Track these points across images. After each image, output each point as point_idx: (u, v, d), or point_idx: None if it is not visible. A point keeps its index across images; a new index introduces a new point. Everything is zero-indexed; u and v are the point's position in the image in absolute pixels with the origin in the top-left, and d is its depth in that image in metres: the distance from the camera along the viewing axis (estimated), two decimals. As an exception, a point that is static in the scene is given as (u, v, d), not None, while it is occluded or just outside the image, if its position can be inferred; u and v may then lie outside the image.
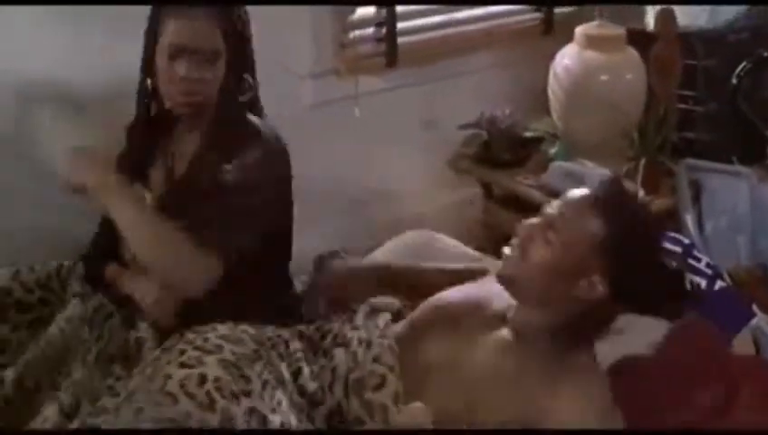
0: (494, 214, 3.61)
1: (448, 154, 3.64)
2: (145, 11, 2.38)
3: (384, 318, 2.35)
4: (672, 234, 2.73)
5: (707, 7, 3.50)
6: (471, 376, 2.14)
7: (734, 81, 3.47)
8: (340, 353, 2.24)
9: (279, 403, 2.07)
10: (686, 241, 2.70)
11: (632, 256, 2.10)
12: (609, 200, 2.13)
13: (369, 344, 2.23)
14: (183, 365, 2.02)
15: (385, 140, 3.43)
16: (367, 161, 3.41)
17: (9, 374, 2.14)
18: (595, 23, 3.50)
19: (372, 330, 2.28)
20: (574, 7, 3.85)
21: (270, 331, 2.26)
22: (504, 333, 2.18)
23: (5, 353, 2.23)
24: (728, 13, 3.52)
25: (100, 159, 2.30)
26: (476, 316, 2.24)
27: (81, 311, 2.27)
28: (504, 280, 2.18)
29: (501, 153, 3.54)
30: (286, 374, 2.16)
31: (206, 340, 2.10)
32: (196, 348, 2.07)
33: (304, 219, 2.54)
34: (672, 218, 3.26)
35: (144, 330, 2.27)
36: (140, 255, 2.23)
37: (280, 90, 2.47)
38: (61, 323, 2.23)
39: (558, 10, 3.85)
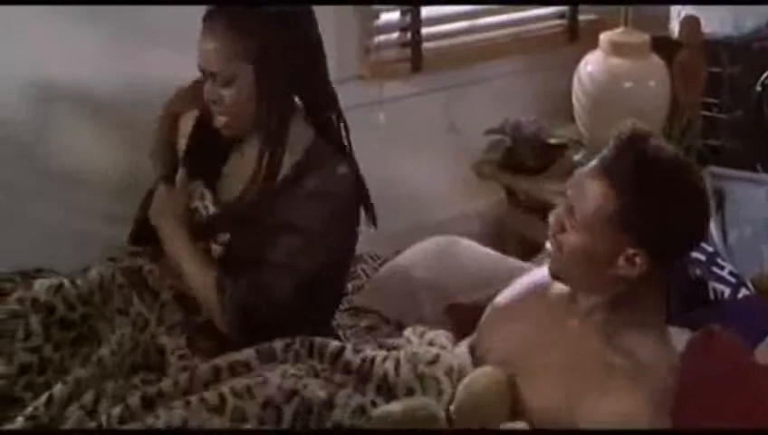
0: (518, 220, 3.61)
1: (472, 159, 3.64)
2: (167, 15, 2.38)
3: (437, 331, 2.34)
4: (695, 242, 2.73)
5: (732, 15, 3.49)
6: (562, 370, 2.08)
7: (759, 88, 3.47)
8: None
9: (305, 386, 2.06)
10: (710, 249, 2.69)
11: (659, 218, 2.00)
12: (616, 166, 2.03)
13: (422, 334, 2.25)
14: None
15: (409, 146, 3.44)
16: (391, 166, 3.41)
17: (59, 392, 2.11)
18: (620, 30, 3.50)
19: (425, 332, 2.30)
20: (598, 12, 3.86)
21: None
22: (574, 321, 2.13)
23: (47, 372, 2.20)
24: (753, 20, 3.52)
25: (173, 203, 2.37)
26: (541, 309, 2.21)
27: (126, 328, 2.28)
28: (553, 276, 2.15)
29: (525, 159, 3.55)
30: (319, 365, 2.16)
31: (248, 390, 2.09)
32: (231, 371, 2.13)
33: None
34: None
35: (166, 338, 2.30)
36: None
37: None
38: (113, 345, 2.24)
39: (583, 17, 3.86)
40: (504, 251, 3.01)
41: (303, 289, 2.28)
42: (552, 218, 2.12)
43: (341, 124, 2.45)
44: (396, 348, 2.24)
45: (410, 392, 2.10)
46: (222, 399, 2.01)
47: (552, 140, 3.59)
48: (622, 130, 2.05)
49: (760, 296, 2.68)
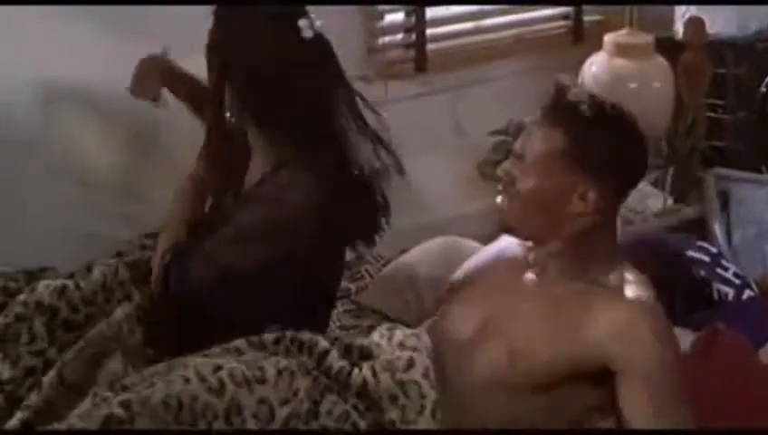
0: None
1: (477, 160, 3.64)
2: (169, 15, 2.38)
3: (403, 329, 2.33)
4: (700, 243, 2.73)
5: (737, 16, 3.49)
6: (510, 330, 2.11)
7: (764, 89, 3.47)
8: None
9: (296, 392, 2.06)
10: (714, 250, 2.70)
11: (605, 149, 2.09)
12: (558, 108, 2.13)
13: (390, 336, 2.22)
14: (204, 356, 2.07)
15: (413, 146, 3.43)
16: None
17: (48, 377, 2.13)
18: (624, 31, 3.50)
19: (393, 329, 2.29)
20: (603, 13, 3.86)
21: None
22: (529, 276, 2.18)
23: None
24: (758, 21, 3.52)
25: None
26: (498, 272, 2.25)
27: (127, 310, 2.29)
28: (506, 230, 2.22)
29: (529, 160, 3.54)
30: (309, 362, 2.15)
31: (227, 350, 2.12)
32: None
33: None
34: (700, 227, 3.26)
35: None
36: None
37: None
38: (103, 326, 2.24)
39: (587, 18, 3.86)
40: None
41: (225, 283, 2.26)
42: (500, 172, 2.19)
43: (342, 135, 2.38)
44: (366, 353, 2.22)
45: (394, 400, 2.10)
46: (221, 383, 2.00)
47: (556, 141, 3.59)
48: (555, 81, 2.18)
49: (764, 297, 2.68)
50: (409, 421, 2.08)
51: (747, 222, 3.32)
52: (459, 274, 2.38)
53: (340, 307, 2.74)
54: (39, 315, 2.22)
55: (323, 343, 2.19)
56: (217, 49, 2.30)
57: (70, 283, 2.27)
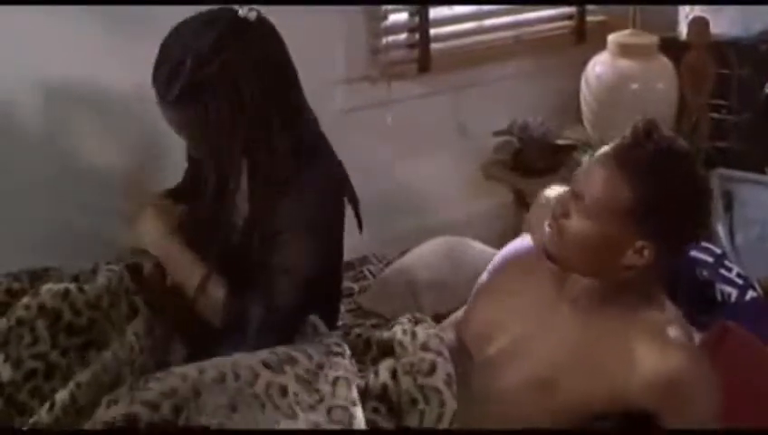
0: (526, 221, 3.61)
1: (480, 161, 3.64)
2: (176, 13, 2.38)
3: (427, 322, 2.32)
4: (703, 243, 2.72)
5: (741, 16, 3.49)
6: (546, 356, 2.06)
7: (767, 90, 3.46)
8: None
9: (354, 403, 2.07)
10: (718, 251, 2.69)
11: (671, 212, 1.98)
12: (630, 158, 1.98)
13: (414, 334, 2.20)
14: (266, 365, 2.06)
15: (417, 146, 3.45)
16: (399, 166, 3.42)
17: (61, 396, 2.10)
18: (628, 31, 3.50)
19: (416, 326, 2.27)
20: (606, 13, 3.86)
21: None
22: (563, 302, 2.11)
23: (55, 378, 2.19)
24: (762, 22, 3.51)
25: (160, 221, 2.38)
26: (531, 287, 2.18)
27: (137, 329, 2.29)
28: (549, 257, 2.10)
29: (533, 160, 3.55)
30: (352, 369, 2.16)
31: (273, 351, 2.13)
32: (272, 352, 2.11)
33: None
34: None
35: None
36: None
37: (313, 95, 2.47)
38: (116, 347, 2.24)
39: (590, 18, 3.86)
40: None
41: (302, 290, 2.30)
42: (556, 202, 2.09)
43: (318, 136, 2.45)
44: (386, 350, 2.23)
45: (414, 403, 2.09)
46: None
47: (560, 142, 3.59)
48: (638, 121, 2.01)
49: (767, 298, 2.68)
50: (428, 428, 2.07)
51: (751, 223, 3.32)
52: (487, 275, 2.32)
53: (342, 307, 2.74)
54: (42, 318, 2.20)
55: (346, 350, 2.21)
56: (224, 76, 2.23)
57: (73, 286, 2.26)
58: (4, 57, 2.64)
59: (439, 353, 2.14)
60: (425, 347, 2.16)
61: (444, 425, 2.06)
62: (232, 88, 2.22)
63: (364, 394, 2.11)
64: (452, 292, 2.65)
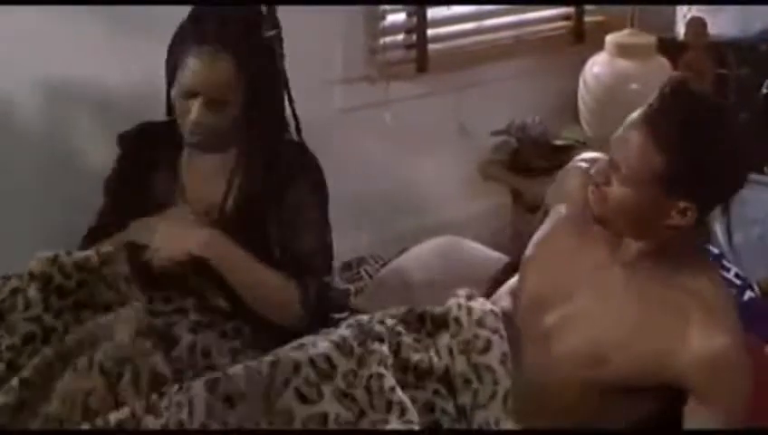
0: (524, 221, 3.61)
1: (478, 161, 3.64)
2: (176, 13, 2.39)
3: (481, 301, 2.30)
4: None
5: (740, 16, 3.49)
6: (600, 325, 2.08)
7: (765, 90, 3.46)
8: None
9: (392, 388, 2.07)
10: (716, 251, 2.70)
11: (709, 171, 1.98)
12: (660, 121, 1.98)
13: (469, 310, 2.20)
14: (303, 399, 2.04)
15: (415, 147, 3.44)
16: (397, 167, 3.42)
17: (15, 381, 2.11)
18: (626, 31, 3.50)
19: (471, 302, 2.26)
20: (604, 13, 3.86)
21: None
22: (618, 269, 2.12)
23: (51, 341, 2.21)
24: (761, 22, 3.51)
25: (188, 224, 2.41)
26: (582, 257, 2.17)
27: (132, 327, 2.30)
28: (597, 220, 2.11)
29: (531, 160, 3.55)
30: (388, 356, 2.13)
31: (314, 344, 2.11)
32: (312, 364, 2.07)
33: (334, 224, 2.56)
34: (701, 228, 3.25)
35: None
36: (245, 296, 2.39)
37: (311, 95, 2.48)
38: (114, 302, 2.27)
39: (588, 18, 3.86)
40: (510, 252, 3.01)
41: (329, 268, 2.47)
42: (595, 170, 2.09)
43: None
44: (440, 324, 2.22)
45: (467, 383, 2.12)
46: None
47: (558, 142, 3.59)
48: (666, 81, 2.02)
49: (766, 299, 2.68)
50: (480, 405, 2.09)
51: (749, 223, 3.31)
52: (533, 248, 2.31)
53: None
54: (33, 283, 2.23)
55: (398, 328, 2.20)
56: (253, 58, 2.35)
57: (62, 252, 2.28)
58: (3, 57, 2.64)
59: (495, 331, 2.15)
60: (480, 324, 2.17)
61: (498, 401, 2.08)
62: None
63: (428, 375, 2.12)
64: (448, 292, 2.64)
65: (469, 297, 2.24)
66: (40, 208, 2.76)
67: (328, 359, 2.07)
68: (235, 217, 2.44)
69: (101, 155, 2.83)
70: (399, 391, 2.05)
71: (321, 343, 2.09)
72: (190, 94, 2.35)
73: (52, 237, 2.71)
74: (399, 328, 2.18)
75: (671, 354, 2.00)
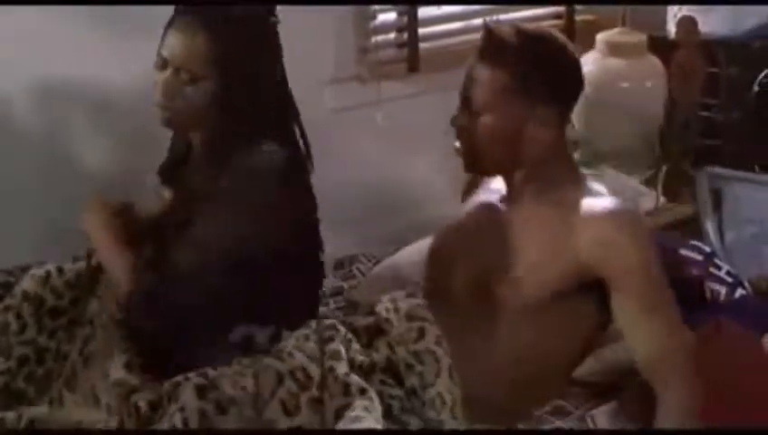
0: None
1: (469, 160, 3.64)
2: (171, 14, 2.39)
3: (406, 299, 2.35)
4: (693, 242, 2.73)
5: (731, 15, 3.49)
6: (508, 260, 2.22)
7: (757, 88, 3.47)
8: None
9: (347, 374, 2.11)
10: (707, 249, 2.70)
11: (545, 72, 2.22)
12: (490, 49, 2.25)
13: (397, 309, 2.26)
14: (286, 411, 2.08)
15: (407, 146, 3.44)
16: (389, 166, 3.41)
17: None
18: (617, 30, 3.50)
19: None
20: (595, 12, 3.86)
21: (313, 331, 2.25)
22: (507, 207, 2.30)
23: (46, 362, 2.26)
24: (751, 20, 3.52)
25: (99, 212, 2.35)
26: (478, 217, 2.38)
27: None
28: (471, 168, 2.37)
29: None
30: (339, 350, 2.17)
31: (291, 355, 2.14)
32: (293, 377, 2.11)
33: (326, 224, 2.55)
34: (692, 226, 3.26)
35: None
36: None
37: (302, 95, 2.47)
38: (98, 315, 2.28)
39: (580, 17, 3.86)
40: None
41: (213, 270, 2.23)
42: (452, 119, 2.33)
43: (300, 129, 2.43)
44: (375, 331, 2.26)
45: (410, 368, 2.18)
46: None
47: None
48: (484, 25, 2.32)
49: (757, 297, 2.68)
50: (428, 384, 2.16)
51: (741, 222, 3.32)
52: (436, 239, 2.50)
53: (332, 304, 2.77)
54: (26, 304, 2.26)
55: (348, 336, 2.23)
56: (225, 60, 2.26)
57: (53, 268, 2.31)
58: (2, 57, 2.64)
59: (424, 319, 2.23)
60: (410, 317, 2.23)
61: (444, 377, 2.15)
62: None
63: (372, 370, 2.17)
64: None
65: (394, 300, 2.31)
66: (39, 208, 2.75)
67: (304, 371, 2.12)
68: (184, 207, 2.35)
69: (101, 155, 2.84)
70: (354, 376, 2.11)
71: (295, 353, 2.14)
72: (161, 64, 2.27)
73: (51, 237, 2.72)
74: (349, 336, 2.23)
75: (571, 250, 2.15)
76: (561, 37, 2.32)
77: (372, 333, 2.26)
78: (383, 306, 2.28)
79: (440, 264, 2.42)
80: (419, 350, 2.18)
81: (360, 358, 2.18)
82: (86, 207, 2.36)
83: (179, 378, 2.04)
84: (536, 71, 2.22)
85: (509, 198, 2.31)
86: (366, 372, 2.16)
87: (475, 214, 2.41)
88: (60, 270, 2.31)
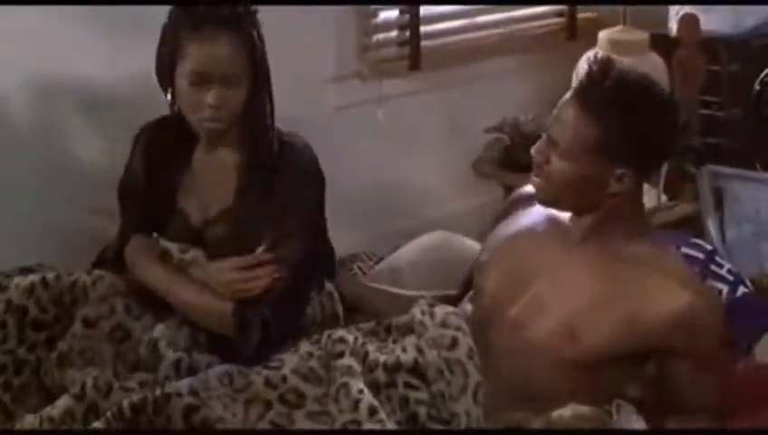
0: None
1: (471, 158, 3.64)
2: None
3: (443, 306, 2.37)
4: (694, 240, 2.73)
5: (732, 13, 3.49)
6: (567, 304, 2.18)
7: (758, 87, 3.46)
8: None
9: (360, 391, 2.13)
10: (709, 247, 2.70)
11: (640, 136, 2.13)
12: (591, 94, 2.15)
13: (432, 314, 2.28)
14: (275, 425, 2.12)
15: (408, 144, 3.44)
16: (390, 164, 3.42)
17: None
18: (619, 27, 3.49)
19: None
20: (597, 9, 3.86)
21: (327, 340, 2.30)
22: (571, 246, 2.24)
23: (24, 374, 2.28)
24: (753, 18, 3.51)
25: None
26: (537, 245, 2.30)
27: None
28: (543, 203, 2.26)
29: (523, 157, 3.52)
30: (351, 365, 2.20)
31: (284, 379, 2.16)
32: (282, 400, 2.15)
33: (328, 222, 2.56)
34: (694, 224, 3.25)
35: (160, 331, 2.32)
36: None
37: (304, 93, 2.48)
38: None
39: (581, 15, 3.86)
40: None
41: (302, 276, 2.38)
42: (534, 151, 2.23)
43: None
44: (407, 331, 2.29)
45: (441, 373, 2.18)
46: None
47: (551, 139, 3.59)
48: (592, 59, 2.19)
49: (758, 295, 2.68)
50: (452, 398, 2.17)
51: (742, 219, 3.32)
52: (487, 252, 2.42)
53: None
54: (10, 314, 2.27)
55: (360, 341, 2.26)
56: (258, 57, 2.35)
57: (38, 280, 2.31)
58: (1, 56, 2.63)
59: (459, 329, 2.24)
60: (444, 324, 2.25)
61: (468, 396, 2.16)
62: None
63: (397, 369, 2.18)
64: (440, 287, 2.64)
65: (431, 305, 2.33)
66: (38, 208, 2.75)
67: (296, 391, 2.16)
68: (242, 217, 2.42)
69: (99, 154, 2.84)
70: (369, 395, 2.12)
71: (290, 376, 2.17)
72: (202, 79, 2.30)
73: (50, 236, 2.72)
74: (364, 340, 2.26)
75: (638, 321, 2.11)
76: (664, 92, 2.25)
77: (403, 333, 2.29)
78: (419, 310, 2.31)
79: (493, 274, 2.36)
80: (450, 358, 2.20)
81: (383, 358, 2.20)
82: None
83: (171, 390, 2.08)
84: (630, 134, 2.13)
85: (576, 233, 2.25)
86: (390, 370, 2.18)
87: (537, 235, 2.33)
88: (45, 284, 2.32)
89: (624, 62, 3.33)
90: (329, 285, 2.51)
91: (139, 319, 2.35)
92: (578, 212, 2.23)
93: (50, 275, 2.33)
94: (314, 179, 2.44)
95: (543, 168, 2.21)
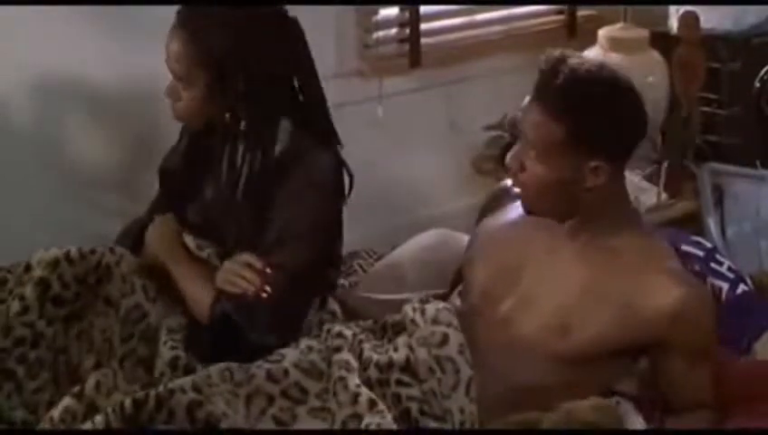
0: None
1: (471, 155, 3.64)
2: (168, 13, 2.39)
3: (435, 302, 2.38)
4: (694, 237, 2.73)
5: (732, 11, 3.49)
6: (558, 300, 2.18)
7: (758, 84, 3.46)
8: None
9: (358, 385, 2.14)
10: (709, 245, 2.69)
11: (605, 125, 2.12)
12: (548, 93, 2.14)
13: (423, 311, 2.29)
14: (280, 423, 2.12)
15: (408, 141, 3.44)
16: (390, 162, 3.41)
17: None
18: (618, 25, 3.49)
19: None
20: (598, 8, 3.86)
21: (328, 334, 2.31)
22: (558, 248, 2.24)
23: (40, 347, 2.26)
24: (753, 16, 3.51)
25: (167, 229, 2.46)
26: (527, 241, 2.30)
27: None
28: (529, 213, 2.25)
29: (523, 155, 3.54)
30: (349, 360, 2.20)
31: (286, 373, 2.17)
32: (285, 395, 2.15)
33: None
34: (694, 222, 3.25)
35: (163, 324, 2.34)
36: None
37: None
38: (102, 322, 2.32)
39: (581, 12, 3.86)
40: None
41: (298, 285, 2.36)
42: (509, 160, 2.22)
43: (327, 115, 2.55)
44: (399, 329, 2.31)
45: (432, 372, 2.18)
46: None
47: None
48: (543, 60, 2.19)
49: (759, 293, 2.68)
50: (444, 395, 2.17)
51: (742, 217, 3.32)
52: (475, 246, 2.43)
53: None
54: (32, 287, 2.27)
55: (360, 337, 2.28)
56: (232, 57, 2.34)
57: (62, 256, 2.31)
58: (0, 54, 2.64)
59: (449, 325, 2.24)
60: (435, 321, 2.26)
61: (460, 391, 2.17)
62: None
63: (389, 368, 2.19)
64: (441, 285, 2.65)
65: (423, 301, 2.34)
66: (38, 208, 2.75)
67: (298, 386, 2.16)
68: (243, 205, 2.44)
69: (99, 154, 2.84)
70: (365, 389, 2.13)
71: (291, 370, 2.17)
72: (173, 76, 2.40)
73: (51, 236, 2.71)
74: (361, 336, 2.27)
75: (629, 314, 2.11)
76: (624, 78, 2.21)
77: (397, 332, 2.30)
78: (410, 307, 2.32)
79: (478, 273, 2.37)
80: (440, 355, 2.20)
81: (375, 356, 2.21)
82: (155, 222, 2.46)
83: (174, 386, 2.07)
84: (593, 125, 2.13)
85: (562, 233, 2.25)
86: (382, 369, 2.19)
87: (525, 232, 2.32)
88: (69, 260, 2.32)
89: (624, 61, 3.38)
90: (333, 304, 2.51)
91: (154, 302, 2.37)
92: (562, 218, 2.23)
93: (73, 250, 2.33)
94: (324, 191, 2.42)
95: (518, 176, 2.20)
